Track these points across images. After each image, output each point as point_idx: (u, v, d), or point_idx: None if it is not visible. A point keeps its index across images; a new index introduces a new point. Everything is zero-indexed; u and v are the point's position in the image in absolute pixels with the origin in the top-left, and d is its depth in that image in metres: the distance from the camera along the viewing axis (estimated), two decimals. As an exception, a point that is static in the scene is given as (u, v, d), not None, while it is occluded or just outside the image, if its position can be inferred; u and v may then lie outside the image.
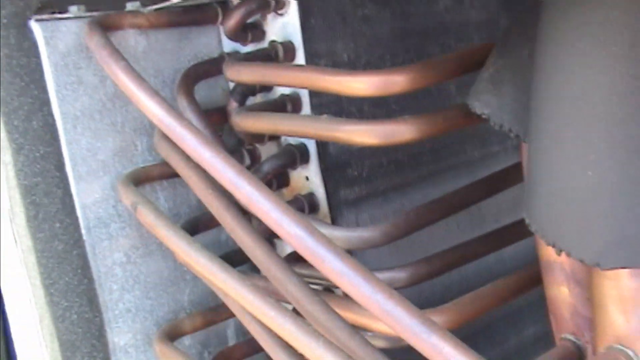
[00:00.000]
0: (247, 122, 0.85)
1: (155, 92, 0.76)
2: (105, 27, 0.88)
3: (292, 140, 0.96)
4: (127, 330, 0.95)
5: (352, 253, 0.96)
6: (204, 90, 1.02)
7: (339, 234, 0.80)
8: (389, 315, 0.56)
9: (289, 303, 0.75)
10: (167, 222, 0.83)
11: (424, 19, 1.05)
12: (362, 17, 0.98)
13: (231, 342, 1.06)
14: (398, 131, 0.72)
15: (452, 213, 0.85)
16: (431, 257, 0.83)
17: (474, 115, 0.69)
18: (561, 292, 0.68)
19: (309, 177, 0.96)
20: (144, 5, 0.95)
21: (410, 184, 1.05)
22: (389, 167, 1.02)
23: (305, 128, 0.79)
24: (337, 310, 0.71)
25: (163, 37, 0.98)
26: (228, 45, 1.02)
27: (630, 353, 0.58)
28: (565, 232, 0.55)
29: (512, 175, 0.86)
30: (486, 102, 0.66)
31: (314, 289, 0.72)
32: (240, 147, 1.01)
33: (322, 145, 0.94)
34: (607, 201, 0.51)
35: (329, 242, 0.61)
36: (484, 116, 0.67)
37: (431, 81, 0.73)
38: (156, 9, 0.94)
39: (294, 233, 0.62)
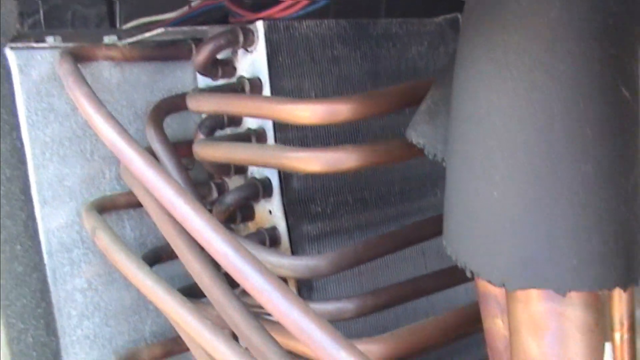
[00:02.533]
0: (205, 151, 0.87)
1: (111, 117, 0.79)
2: (77, 58, 0.91)
3: (257, 174, 0.97)
4: (84, 357, 0.96)
5: (314, 284, 0.97)
6: (177, 124, 1.04)
7: (285, 261, 0.81)
8: (303, 332, 0.57)
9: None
10: (122, 247, 0.84)
11: (395, 62, 1.07)
12: (331, 57, 1.00)
13: (191, 374, 1.06)
14: (340, 159, 0.73)
15: (404, 247, 0.85)
16: (380, 290, 0.83)
17: (414, 146, 0.70)
18: (495, 324, 0.68)
19: (272, 211, 0.97)
20: (120, 39, 0.99)
21: (376, 224, 1.05)
22: (355, 206, 1.03)
23: (254, 156, 0.80)
24: (276, 336, 0.71)
25: (138, 71, 1.01)
26: (202, 81, 1.05)
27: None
28: (474, 253, 0.55)
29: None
30: (422, 132, 0.68)
31: (253, 315, 0.73)
32: (209, 181, 1.04)
33: (286, 180, 0.96)
34: (511, 222, 0.52)
35: (254, 260, 0.62)
36: (419, 146, 0.68)
37: (375, 112, 0.74)
38: (130, 43, 0.98)
39: (221, 251, 0.63)
